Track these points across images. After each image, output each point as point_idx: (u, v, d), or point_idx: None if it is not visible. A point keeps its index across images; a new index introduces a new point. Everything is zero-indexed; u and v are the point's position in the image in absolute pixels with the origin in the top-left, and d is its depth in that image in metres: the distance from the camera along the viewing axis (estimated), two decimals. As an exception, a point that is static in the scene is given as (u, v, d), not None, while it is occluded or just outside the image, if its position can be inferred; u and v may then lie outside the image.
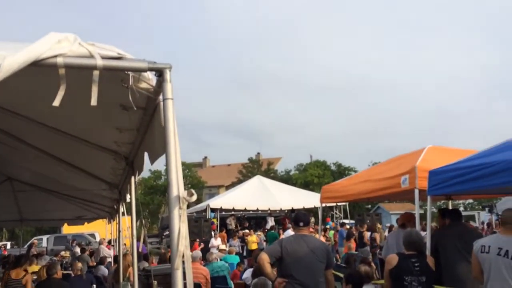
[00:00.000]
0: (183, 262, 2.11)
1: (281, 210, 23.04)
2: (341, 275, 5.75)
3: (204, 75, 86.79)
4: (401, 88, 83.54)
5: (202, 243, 15.73)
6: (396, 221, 12.86)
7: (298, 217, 4.72)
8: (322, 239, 14.16)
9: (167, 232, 23.99)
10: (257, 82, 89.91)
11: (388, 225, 19.09)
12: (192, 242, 16.28)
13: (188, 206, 2.42)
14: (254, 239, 17.36)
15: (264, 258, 4.33)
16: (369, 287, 5.38)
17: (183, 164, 22.29)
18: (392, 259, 4.31)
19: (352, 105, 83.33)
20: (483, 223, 20.80)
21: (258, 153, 49.51)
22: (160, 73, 2.30)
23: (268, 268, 4.32)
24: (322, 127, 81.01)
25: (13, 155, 5.85)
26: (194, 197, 2.09)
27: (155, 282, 5.26)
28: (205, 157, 59.23)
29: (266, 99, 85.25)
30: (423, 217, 5.68)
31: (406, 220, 5.66)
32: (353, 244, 13.12)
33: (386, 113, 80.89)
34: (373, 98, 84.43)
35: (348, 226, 17.77)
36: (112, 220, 11.28)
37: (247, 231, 19.54)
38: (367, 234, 15.11)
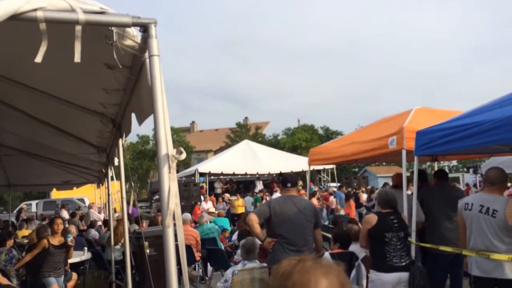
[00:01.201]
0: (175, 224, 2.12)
1: (269, 174, 23.26)
2: (329, 235, 5.86)
3: (189, 39, 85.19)
4: (388, 52, 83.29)
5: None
6: (384, 185, 13.16)
7: (285, 178, 4.76)
8: (315, 201, 14.49)
9: (156, 197, 24.15)
10: (244, 46, 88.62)
11: (369, 187, 19.40)
12: (193, 205, 16.46)
13: (177, 171, 2.40)
14: (240, 203, 17.57)
15: (253, 218, 4.39)
16: (357, 245, 5.51)
17: (171, 128, 22.04)
18: (372, 218, 4.45)
19: (340, 70, 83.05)
20: (467, 184, 21.24)
21: (246, 118, 49.43)
22: (145, 28, 2.22)
23: (257, 228, 4.38)
24: (310, 92, 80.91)
25: (-2, 119, 5.73)
26: (183, 155, 2.07)
27: (146, 243, 5.32)
28: (193, 122, 58.95)
29: (252, 64, 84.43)
30: (410, 179, 5.75)
31: (400, 181, 5.75)
32: (352, 204, 13.50)
33: (373, 78, 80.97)
34: (361, 63, 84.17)
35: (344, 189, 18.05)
36: (101, 185, 11.27)
37: (227, 195, 19.69)
38: (363, 195, 15.54)
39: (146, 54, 2.43)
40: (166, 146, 2.13)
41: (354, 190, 18.11)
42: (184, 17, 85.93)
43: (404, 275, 4.20)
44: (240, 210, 16.69)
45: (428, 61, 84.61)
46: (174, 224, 2.13)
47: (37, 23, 2.01)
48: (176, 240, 2.15)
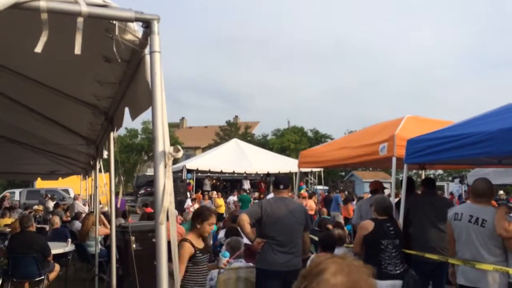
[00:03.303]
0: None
1: (256, 174, 23.28)
2: (316, 238, 5.89)
3: (181, 34, 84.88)
4: (376, 55, 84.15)
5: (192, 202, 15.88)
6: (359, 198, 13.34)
7: (278, 180, 4.77)
8: (312, 203, 14.62)
9: (142, 191, 24.01)
10: (235, 44, 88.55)
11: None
12: (180, 202, 16.38)
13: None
14: (221, 203, 17.56)
15: (245, 219, 4.39)
16: (341, 249, 5.55)
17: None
18: (368, 225, 4.43)
19: (330, 72, 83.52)
20: (451, 194, 21.50)
21: (236, 116, 49.44)
22: (147, 24, 2.21)
23: (248, 228, 4.39)
24: (300, 93, 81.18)
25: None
26: (180, 153, 2.06)
27: (132, 238, 5.29)
28: (182, 118, 58.74)
29: (245, 62, 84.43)
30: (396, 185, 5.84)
31: (379, 186, 5.81)
32: (350, 208, 13.61)
33: (362, 80, 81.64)
34: (349, 65, 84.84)
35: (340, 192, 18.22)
36: (87, 177, 11.17)
37: (214, 192, 19.69)
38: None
39: (146, 50, 2.41)
40: (163, 143, 2.12)
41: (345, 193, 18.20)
42: (175, 11, 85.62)
43: (398, 283, 4.22)
44: (221, 210, 16.68)
45: (415, 65, 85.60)
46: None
47: (37, 13, 1.99)
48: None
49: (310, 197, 15.60)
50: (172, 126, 49.03)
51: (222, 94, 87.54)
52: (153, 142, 2.15)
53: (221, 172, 22.49)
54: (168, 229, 2.15)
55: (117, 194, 5.69)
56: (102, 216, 8.31)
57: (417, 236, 5.19)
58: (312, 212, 13.65)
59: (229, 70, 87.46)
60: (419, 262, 4.96)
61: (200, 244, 3.94)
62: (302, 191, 17.93)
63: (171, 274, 2.21)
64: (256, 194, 20.81)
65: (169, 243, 2.15)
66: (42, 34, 1.97)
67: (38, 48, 1.95)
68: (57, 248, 7.20)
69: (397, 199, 5.96)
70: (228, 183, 25.32)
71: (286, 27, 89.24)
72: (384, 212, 4.48)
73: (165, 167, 2.10)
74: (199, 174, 22.12)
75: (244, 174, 22.80)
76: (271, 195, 14.16)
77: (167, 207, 2.03)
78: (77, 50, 2.04)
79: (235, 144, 24.05)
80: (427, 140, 4.51)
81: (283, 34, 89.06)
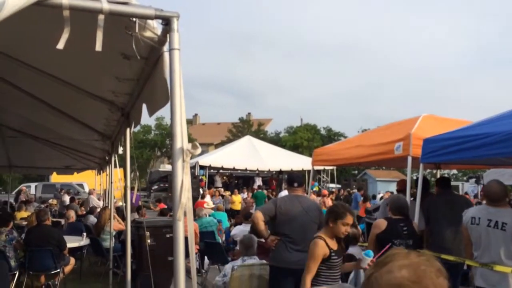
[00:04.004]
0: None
1: (269, 171, 23.26)
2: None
3: (195, 31, 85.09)
4: (390, 55, 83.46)
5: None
6: (379, 193, 13.22)
7: (292, 177, 4.76)
8: (330, 202, 14.81)
9: (155, 187, 24.19)
10: (248, 41, 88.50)
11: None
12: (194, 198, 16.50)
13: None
14: (237, 199, 17.65)
15: (259, 216, 4.40)
16: (355, 248, 5.53)
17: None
18: (381, 224, 4.39)
19: (343, 70, 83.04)
20: (466, 193, 21.24)
21: (249, 113, 49.41)
22: (167, 21, 2.22)
23: (262, 225, 4.39)
24: (314, 91, 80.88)
25: (2, 100, 5.73)
26: (199, 150, 2.08)
27: (147, 233, 5.33)
28: (195, 114, 58.95)
29: (258, 59, 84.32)
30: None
31: (405, 186, 5.73)
32: (369, 206, 13.66)
33: (376, 79, 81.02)
34: (363, 64, 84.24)
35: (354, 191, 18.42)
36: (102, 172, 11.29)
37: (221, 189, 19.90)
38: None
39: (165, 47, 2.43)
40: (181, 140, 2.13)
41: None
42: (190, 9, 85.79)
43: None
44: (236, 207, 16.76)
45: (429, 64, 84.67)
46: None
47: (59, 10, 2.01)
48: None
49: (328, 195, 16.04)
50: (185, 122, 49.19)
51: (235, 91, 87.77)
52: (171, 139, 2.17)
53: (234, 169, 22.53)
54: (186, 225, 2.17)
55: (132, 189, 5.74)
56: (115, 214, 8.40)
57: (433, 237, 5.14)
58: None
59: (242, 67, 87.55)
60: None
61: (334, 245, 3.52)
62: (315, 188, 18.09)
63: (187, 271, 2.22)
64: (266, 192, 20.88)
65: (186, 239, 2.17)
66: (64, 31, 1.99)
67: (60, 45, 1.98)
68: (72, 242, 7.30)
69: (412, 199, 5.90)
70: (240, 180, 25.36)
71: (299, 25, 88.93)
72: (398, 211, 4.42)
73: (183, 163, 2.11)
74: (212, 170, 22.19)
75: (257, 171, 22.80)
76: (284, 192, 14.23)
77: (185, 203, 2.05)
78: (98, 47, 2.06)
79: (248, 141, 24.05)
80: (444, 139, 4.46)
81: (297, 32, 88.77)
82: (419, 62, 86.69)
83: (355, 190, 18.81)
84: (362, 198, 15.15)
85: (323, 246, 3.42)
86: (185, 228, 2.24)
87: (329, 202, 15.06)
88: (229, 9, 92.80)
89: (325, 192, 17.34)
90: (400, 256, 1.08)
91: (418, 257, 1.07)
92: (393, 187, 16.47)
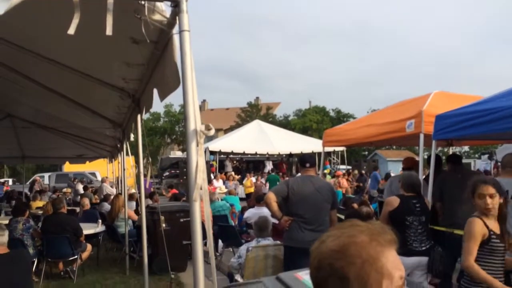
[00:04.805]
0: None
1: (279, 155, 23.28)
2: (342, 216, 5.89)
3: (202, 16, 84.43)
4: (401, 34, 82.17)
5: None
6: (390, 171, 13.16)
7: (304, 158, 4.76)
8: (345, 182, 14.92)
9: (166, 173, 24.35)
10: (255, 25, 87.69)
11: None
12: None
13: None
14: (248, 184, 17.72)
15: (271, 197, 4.42)
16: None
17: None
18: (394, 201, 4.37)
19: (352, 51, 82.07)
20: (478, 170, 21.12)
21: (257, 98, 49.26)
22: (176, 3, 2.21)
23: (275, 206, 4.42)
24: (322, 73, 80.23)
25: (13, 90, 5.77)
26: (212, 131, 2.09)
27: (162, 217, 5.40)
28: (204, 100, 58.90)
29: (265, 44, 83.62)
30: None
31: (413, 163, 5.70)
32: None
33: (384, 60, 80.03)
34: (373, 45, 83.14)
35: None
36: (113, 160, 11.40)
37: (233, 173, 20.06)
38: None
39: (174, 30, 2.42)
40: (194, 122, 2.14)
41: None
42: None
43: (424, 259, 4.18)
44: (249, 190, 16.85)
45: (439, 44, 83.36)
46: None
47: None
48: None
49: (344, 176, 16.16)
50: (193, 108, 49.19)
51: (243, 75, 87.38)
52: (184, 120, 2.18)
53: (244, 153, 22.57)
54: (202, 209, 2.19)
55: (144, 175, 5.79)
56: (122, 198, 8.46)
57: (446, 214, 5.13)
58: (344, 191, 13.90)
59: (249, 51, 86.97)
60: (452, 237, 4.89)
61: (496, 228, 3.05)
62: (325, 171, 18.13)
63: (204, 255, 2.23)
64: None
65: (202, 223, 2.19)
66: (74, 16, 2.00)
67: (71, 30, 1.98)
68: (88, 229, 7.42)
69: (424, 176, 5.87)
70: (250, 164, 25.42)
71: (307, 7, 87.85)
72: (410, 188, 4.40)
73: (197, 145, 2.12)
74: (222, 155, 22.27)
75: (267, 155, 22.83)
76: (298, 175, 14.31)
77: (200, 184, 2.07)
78: (109, 31, 2.06)
79: (257, 125, 24.04)
80: (456, 115, 4.41)
81: (304, 15, 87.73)
82: (429, 45, 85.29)
83: (363, 172, 18.81)
84: (381, 177, 15.04)
85: (480, 225, 3.02)
86: (201, 212, 2.26)
87: (344, 182, 15.16)
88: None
89: (339, 173, 17.42)
90: (337, 226, 1.05)
91: (351, 226, 1.03)
92: (403, 167, 16.40)
